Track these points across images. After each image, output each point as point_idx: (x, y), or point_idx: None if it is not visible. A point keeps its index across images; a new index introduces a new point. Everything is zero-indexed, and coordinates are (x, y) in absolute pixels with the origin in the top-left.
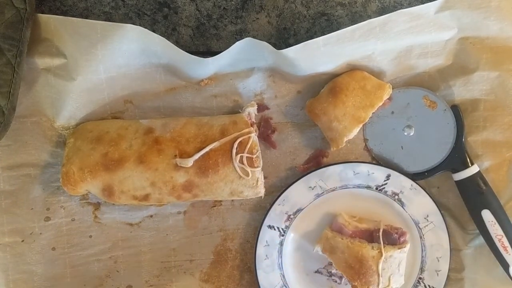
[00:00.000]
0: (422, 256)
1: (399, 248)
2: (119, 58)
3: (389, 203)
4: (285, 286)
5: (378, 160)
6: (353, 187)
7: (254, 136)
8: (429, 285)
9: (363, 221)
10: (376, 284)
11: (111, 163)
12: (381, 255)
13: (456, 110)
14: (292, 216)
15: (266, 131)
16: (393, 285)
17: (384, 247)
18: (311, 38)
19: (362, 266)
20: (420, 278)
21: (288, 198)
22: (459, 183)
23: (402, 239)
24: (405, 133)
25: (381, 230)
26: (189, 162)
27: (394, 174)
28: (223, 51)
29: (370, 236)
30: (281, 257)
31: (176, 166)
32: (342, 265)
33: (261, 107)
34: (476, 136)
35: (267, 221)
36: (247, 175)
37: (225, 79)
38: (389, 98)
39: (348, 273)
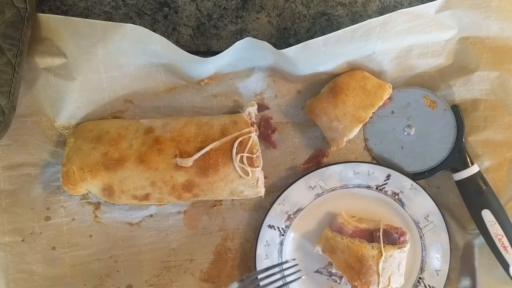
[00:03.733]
0: (422, 256)
1: (399, 248)
2: (119, 57)
3: (389, 203)
4: (285, 286)
5: (378, 160)
6: (353, 187)
7: (254, 136)
8: (429, 285)
9: (363, 221)
10: (376, 284)
11: (111, 163)
12: (381, 255)
13: (456, 110)
14: (292, 216)
15: (266, 130)
16: (393, 285)
17: (384, 246)
18: (311, 38)
19: (362, 266)
20: (420, 278)
21: (288, 198)
22: (459, 183)
23: (402, 239)
24: (405, 133)
25: (381, 230)
26: (189, 161)
27: (394, 174)
28: (223, 50)
29: (370, 236)
30: (281, 257)
31: (176, 166)
32: (342, 265)
33: (261, 107)
34: (476, 136)
35: (267, 221)
36: (247, 174)
37: (225, 78)
38: (389, 98)
39: (348, 273)
